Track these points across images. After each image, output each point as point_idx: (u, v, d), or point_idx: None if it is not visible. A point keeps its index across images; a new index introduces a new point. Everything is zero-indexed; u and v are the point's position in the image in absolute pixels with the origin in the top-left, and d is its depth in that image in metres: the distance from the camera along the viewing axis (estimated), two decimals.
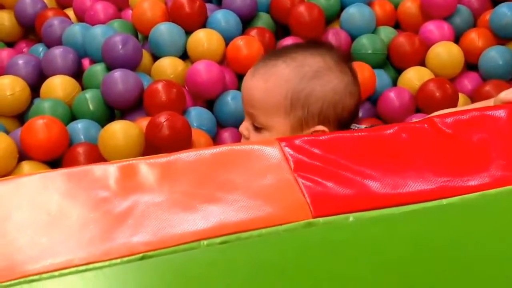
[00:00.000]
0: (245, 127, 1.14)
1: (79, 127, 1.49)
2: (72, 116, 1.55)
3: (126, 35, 1.61)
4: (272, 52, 1.17)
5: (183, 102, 1.53)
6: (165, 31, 1.67)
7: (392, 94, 1.62)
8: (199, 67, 1.58)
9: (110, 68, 1.58)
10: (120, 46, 1.56)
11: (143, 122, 1.46)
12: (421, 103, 1.62)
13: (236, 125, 1.30)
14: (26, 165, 1.44)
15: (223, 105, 1.57)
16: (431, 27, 1.77)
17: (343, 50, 1.09)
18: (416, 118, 1.49)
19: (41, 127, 1.42)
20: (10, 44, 1.95)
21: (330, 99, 1.07)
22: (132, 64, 1.58)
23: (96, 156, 1.43)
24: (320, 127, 1.08)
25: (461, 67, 1.72)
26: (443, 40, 1.74)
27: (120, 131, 1.41)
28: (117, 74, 1.52)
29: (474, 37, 1.75)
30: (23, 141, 1.43)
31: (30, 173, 0.99)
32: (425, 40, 1.74)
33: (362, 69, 1.57)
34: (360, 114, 1.58)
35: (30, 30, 1.93)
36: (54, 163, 1.47)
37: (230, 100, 1.56)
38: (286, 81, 1.07)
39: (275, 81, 1.08)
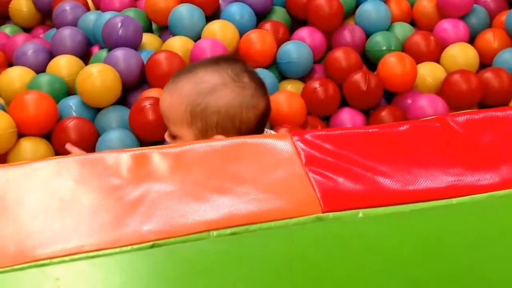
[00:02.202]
0: (167, 134, 1.22)
1: (70, 103, 1.50)
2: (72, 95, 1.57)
3: (126, 16, 1.61)
4: (183, 69, 1.24)
5: None
6: (184, 12, 1.68)
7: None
8: (203, 45, 1.58)
9: (110, 49, 1.58)
10: (119, 27, 1.57)
11: (150, 93, 1.48)
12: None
13: None
14: (25, 142, 1.46)
15: None
16: (447, 25, 1.77)
17: (249, 64, 1.20)
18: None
19: (29, 101, 1.43)
20: (27, 30, 1.96)
21: (224, 112, 1.16)
22: (132, 45, 1.58)
23: (86, 130, 1.44)
24: (220, 137, 1.15)
25: (476, 69, 1.72)
26: (458, 39, 1.74)
27: (97, 74, 1.46)
28: (119, 52, 1.53)
29: (490, 38, 1.75)
30: (12, 116, 1.44)
31: (44, 158, 0.99)
32: (440, 38, 1.74)
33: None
34: None
35: (47, 16, 1.94)
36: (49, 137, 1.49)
37: None
38: (185, 97, 1.16)
39: (177, 97, 1.17)
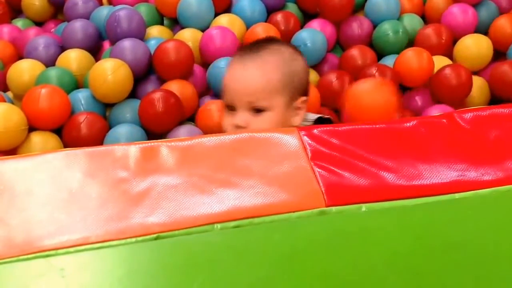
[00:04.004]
0: (241, 119, 1.23)
1: (80, 96, 1.51)
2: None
3: (130, 9, 1.62)
4: (246, 47, 1.31)
5: (191, 62, 1.56)
6: (193, 2, 1.69)
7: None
8: (213, 32, 1.59)
9: (114, 43, 1.60)
10: (122, 21, 1.58)
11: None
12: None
13: None
14: (35, 136, 1.46)
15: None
16: (455, 10, 1.76)
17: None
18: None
19: (43, 96, 1.44)
20: (40, 24, 1.97)
21: (302, 75, 1.29)
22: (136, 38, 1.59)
23: (97, 126, 1.45)
24: (303, 98, 1.27)
25: (489, 60, 1.71)
26: (466, 25, 1.73)
27: (110, 68, 1.46)
28: (126, 43, 1.54)
29: (505, 24, 1.74)
30: (25, 110, 1.45)
31: (53, 150, 1.00)
32: (447, 24, 1.74)
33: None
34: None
35: (60, 10, 1.95)
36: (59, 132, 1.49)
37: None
38: (275, 66, 1.25)
39: (268, 68, 1.24)
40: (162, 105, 1.45)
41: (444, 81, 1.59)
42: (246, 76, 1.24)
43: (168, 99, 1.46)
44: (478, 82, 1.65)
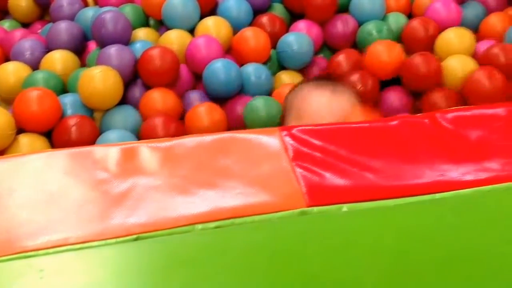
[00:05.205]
0: None
1: (66, 101, 1.51)
2: (66, 91, 1.56)
3: (116, 12, 1.62)
4: (316, 81, 1.43)
5: (176, 69, 1.56)
6: (178, 2, 1.68)
7: None
8: (199, 42, 1.59)
9: (100, 45, 1.59)
10: (108, 23, 1.57)
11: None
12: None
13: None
14: (23, 138, 1.45)
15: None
16: (438, 6, 1.75)
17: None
18: None
19: (35, 98, 1.43)
20: (26, 25, 1.96)
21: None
22: (121, 41, 1.59)
23: (87, 129, 1.45)
24: None
25: (472, 53, 1.70)
26: (450, 19, 1.72)
27: (99, 75, 1.45)
28: (112, 50, 1.54)
29: (495, 22, 1.74)
30: (15, 112, 1.44)
31: (33, 151, 1.00)
32: (432, 19, 1.73)
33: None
34: None
35: (46, 11, 1.94)
36: (49, 135, 1.48)
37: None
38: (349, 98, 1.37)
39: (346, 97, 1.36)
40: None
41: (413, 70, 1.58)
42: (332, 101, 1.34)
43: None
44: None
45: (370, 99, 1.55)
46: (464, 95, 1.55)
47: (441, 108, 1.48)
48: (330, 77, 1.43)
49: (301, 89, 1.40)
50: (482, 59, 1.60)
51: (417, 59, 1.58)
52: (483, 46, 1.66)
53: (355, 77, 1.57)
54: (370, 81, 1.58)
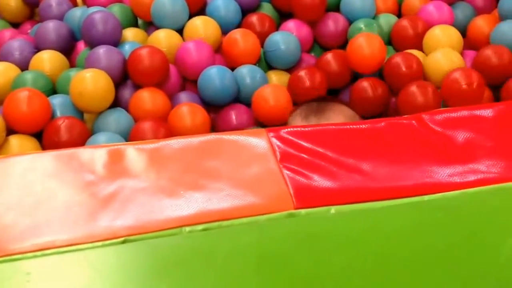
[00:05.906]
0: None
1: (55, 102, 1.50)
2: (55, 92, 1.55)
3: (105, 12, 1.61)
4: (309, 107, 1.40)
5: (166, 69, 1.55)
6: (166, 1, 1.68)
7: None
8: (189, 46, 1.59)
9: (90, 45, 1.59)
10: (98, 24, 1.57)
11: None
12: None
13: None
14: (13, 139, 1.44)
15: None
16: (430, 8, 1.75)
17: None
18: None
19: (24, 99, 1.42)
20: (16, 25, 1.95)
21: None
22: (111, 41, 1.58)
23: (78, 130, 1.44)
24: None
25: (460, 50, 1.69)
26: (442, 22, 1.72)
27: (90, 78, 1.44)
28: (101, 51, 1.53)
29: (481, 24, 1.74)
30: (5, 113, 1.43)
31: (19, 154, 1.00)
32: (421, 19, 1.73)
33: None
34: None
35: (36, 11, 1.94)
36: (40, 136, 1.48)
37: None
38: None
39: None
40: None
41: (394, 69, 1.58)
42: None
43: None
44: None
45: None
46: (443, 95, 1.55)
47: (420, 104, 1.48)
48: (321, 104, 1.39)
49: (299, 114, 1.39)
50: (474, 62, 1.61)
51: (397, 58, 1.58)
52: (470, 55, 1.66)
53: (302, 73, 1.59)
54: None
